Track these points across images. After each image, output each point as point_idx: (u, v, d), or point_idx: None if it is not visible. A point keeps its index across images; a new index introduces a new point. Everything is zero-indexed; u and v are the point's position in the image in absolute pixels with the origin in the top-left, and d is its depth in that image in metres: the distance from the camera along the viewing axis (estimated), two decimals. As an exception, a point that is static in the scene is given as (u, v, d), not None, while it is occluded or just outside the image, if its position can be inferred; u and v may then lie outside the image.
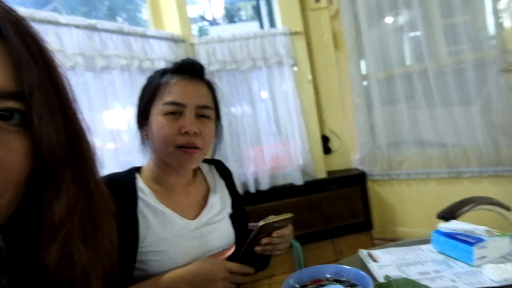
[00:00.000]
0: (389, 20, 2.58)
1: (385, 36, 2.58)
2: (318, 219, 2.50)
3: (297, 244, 1.26)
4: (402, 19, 2.52)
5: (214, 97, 0.97)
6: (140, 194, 0.89)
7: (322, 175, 2.59)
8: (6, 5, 0.37)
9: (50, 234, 0.37)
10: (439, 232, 0.96)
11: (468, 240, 0.87)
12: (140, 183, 0.91)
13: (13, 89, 0.35)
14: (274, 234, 0.85)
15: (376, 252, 1.01)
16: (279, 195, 2.45)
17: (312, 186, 2.49)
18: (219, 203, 1.01)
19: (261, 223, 0.80)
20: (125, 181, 0.89)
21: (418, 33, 2.43)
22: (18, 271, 0.38)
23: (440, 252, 0.95)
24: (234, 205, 1.04)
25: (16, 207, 0.37)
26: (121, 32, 1.84)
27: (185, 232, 0.90)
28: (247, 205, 2.41)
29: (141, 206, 0.88)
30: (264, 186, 2.42)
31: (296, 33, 2.51)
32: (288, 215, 0.85)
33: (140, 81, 1.01)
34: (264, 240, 0.84)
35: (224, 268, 0.83)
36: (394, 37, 2.57)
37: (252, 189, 2.40)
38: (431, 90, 2.39)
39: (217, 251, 0.95)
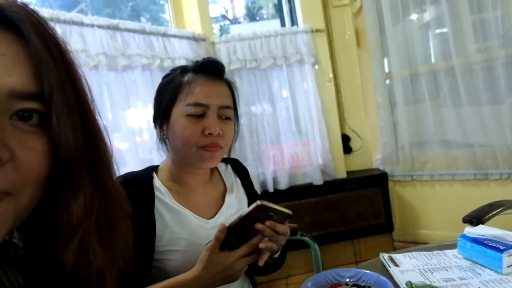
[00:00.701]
0: (414, 16, 2.51)
1: (410, 33, 2.51)
2: (338, 220, 2.46)
3: (315, 246, 1.25)
4: (429, 15, 2.44)
5: (233, 96, 0.96)
6: (157, 193, 0.89)
7: (342, 175, 2.55)
8: (28, 7, 0.38)
9: (68, 234, 0.37)
10: (466, 237, 0.92)
11: (498, 247, 0.83)
12: (157, 182, 0.92)
13: (33, 90, 0.35)
14: (267, 222, 0.77)
15: (397, 256, 0.98)
16: (298, 194, 2.43)
17: (332, 186, 2.46)
18: (236, 203, 1.00)
19: (258, 202, 0.73)
20: (142, 180, 0.89)
21: (445, 30, 2.35)
22: (34, 270, 0.39)
23: (466, 258, 0.91)
24: (250, 199, 1.04)
25: (34, 207, 0.37)
26: (143, 32, 1.86)
27: (201, 231, 0.90)
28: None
29: (158, 205, 0.88)
30: (283, 185, 2.41)
31: (317, 30, 2.47)
32: (287, 210, 0.78)
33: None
34: (259, 226, 0.76)
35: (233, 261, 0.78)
36: (419, 34, 2.51)
37: (270, 188, 2.39)
38: (458, 89, 2.31)
39: None
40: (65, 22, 1.50)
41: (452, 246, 0.99)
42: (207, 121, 0.87)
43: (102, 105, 1.65)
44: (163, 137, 0.93)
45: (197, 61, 0.94)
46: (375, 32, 2.59)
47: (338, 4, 2.64)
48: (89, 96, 0.41)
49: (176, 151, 0.91)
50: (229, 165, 1.07)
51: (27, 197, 0.36)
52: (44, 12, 1.44)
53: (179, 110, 0.88)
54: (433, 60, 2.50)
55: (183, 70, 0.93)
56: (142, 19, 2.63)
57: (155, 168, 0.96)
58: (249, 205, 1.00)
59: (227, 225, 0.77)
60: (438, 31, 2.44)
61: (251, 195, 1.06)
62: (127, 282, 0.46)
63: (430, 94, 2.46)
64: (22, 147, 0.34)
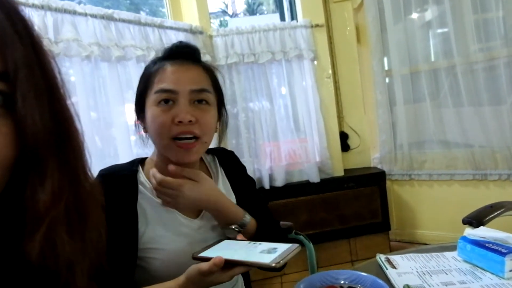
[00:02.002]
0: (415, 15, 2.48)
1: (411, 31, 2.48)
2: (334, 218, 2.43)
3: (310, 245, 1.21)
4: (431, 14, 2.41)
5: (213, 80, 0.88)
6: (140, 187, 0.85)
7: (339, 173, 2.52)
8: None
9: (34, 223, 0.35)
10: (466, 239, 0.89)
11: (500, 250, 0.79)
12: (142, 176, 0.87)
13: None
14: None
15: (395, 258, 0.95)
16: (294, 192, 2.40)
17: (329, 184, 2.43)
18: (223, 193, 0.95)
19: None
20: (126, 174, 0.85)
21: (446, 29, 2.32)
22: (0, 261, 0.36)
23: (466, 261, 0.88)
24: (238, 193, 0.97)
25: None
26: (138, 23, 1.81)
27: (186, 230, 0.85)
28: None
29: (141, 200, 0.84)
30: (279, 182, 2.37)
31: (317, 25, 2.43)
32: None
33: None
34: None
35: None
36: (420, 33, 2.47)
37: (266, 185, 2.35)
38: (459, 88, 2.28)
39: None
40: (57, 10, 1.45)
41: (452, 248, 0.96)
42: (177, 108, 0.80)
43: (95, 97, 1.61)
44: (144, 130, 0.88)
45: (167, 47, 0.88)
46: (376, 28, 2.55)
47: (339, -1, 2.60)
48: (59, 78, 0.38)
49: (155, 144, 0.87)
50: (215, 156, 1.01)
51: None
52: (35, -1, 1.39)
53: (150, 100, 0.82)
54: (433, 59, 2.46)
55: (156, 59, 0.88)
56: (142, 13, 2.59)
57: (142, 161, 0.92)
58: (237, 194, 0.95)
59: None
60: (439, 30, 2.40)
61: (239, 183, 0.98)
62: (100, 275, 0.43)
63: (430, 93, 2.43)
64: None
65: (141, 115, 0.86)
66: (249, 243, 0.74)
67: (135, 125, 0.90)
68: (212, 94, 0.86)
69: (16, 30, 0.34)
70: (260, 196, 1.04)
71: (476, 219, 1.07)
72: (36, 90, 0.35)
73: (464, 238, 0.90)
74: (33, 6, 1.38)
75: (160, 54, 0.89)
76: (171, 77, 0.81)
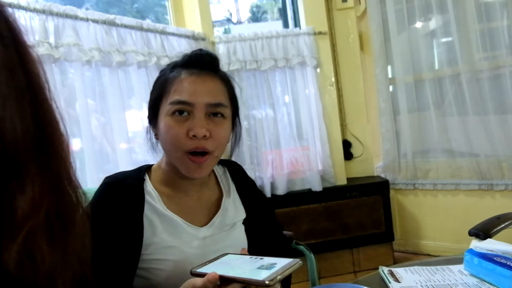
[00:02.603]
0: (419, 24, 2.47)
1: (415, 40, 2.47)
2: (337, 228, 2.39)
3: (311, 255, 1.17)
4: (435, 23, 2.39)
5: (230, 92, 0.86)
6: (147, 197, 0.82)
7: (342, 181, 2.48)
8: None
9: (11, 232, 0.33)
10: (473, 252, 0.85)
11: (509, 264, 0.76)
12: (149, 185, 0.84)
13: None
14: None
15: (398, 271, 0.91)
16: (296, 200, 2.36)
17: (331, 193, 2.39)
18: (233, 208, 0.92)
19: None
20: (131, 183, 0.82)
21: (450, 38, 2.31)
22: None
23: (473, 275, 0.84)
24: (249, 210, 0.94)
25: None
26: (140, 28, 1.81)
27: (193, 241, 0.82)
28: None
29: (147, 211, 0.80)
30: (281, 191, 2.34)
31: (320, 33, 2.42)
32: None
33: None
34: None
35: None
36: (424, 41, 2.46)
37: (268, 193, 2.32)
38: (464, 97, 2.26)
39: None
40: (58, 15, 1.45)
41: (458, 260, 0.92)
42: (192, 122, 0.77)
43: (95, 102, 1.59)
44: (156, 137, 0.86)
45: (186, 54, 0.85)
46: (379, 37, 2.54)
47: (342, 7, 2.59)
48: (43, 81, 0.36)
49: (166, 154, 0.84)
50: (226, 168, 0.99)
51: None
52: (37, 3, 1.38)
53: (165, 109, 0.80)
54: (437, 67, 2.44)
55: (174, 65, 0.85)
56: (148, 20, 2.60)
57: (148, 168, 0.89)
58: (247, 211, 0.92)
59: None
60: (444, 39, 2.39)
61: (250, 200, 0.96)
62: (84, 287, 0.41)
63: (435, 101, 2.40)
64: None
65: (154, 121, 0.84)
66: (251, 257, 0.71)
67: (147, 130, 0.88)
68: (228, 107, 0.84)
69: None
70: (271, 212, 1.02)
71: (483, 231, 1.03)
72: (16, 93, 0.33)
73: (471, 251, 0.86)
74: (35, 10, 1.38)
75: (178, 60, 0.86)
76: (188, 88, 0.79)
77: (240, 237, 0.90)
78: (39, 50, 1.34)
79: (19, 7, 1.30)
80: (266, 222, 0.98)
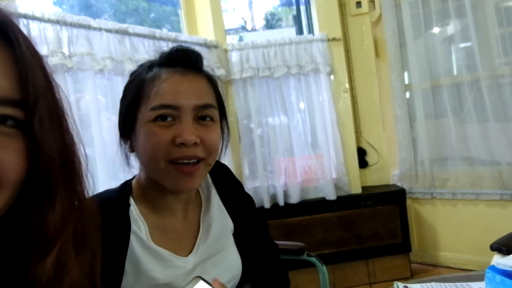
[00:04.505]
0: (436, 30, 2.41)
1: (432, 46, 2.42)
2: (352, 238, 2.33)
3: (323, 267, 1.14)
4: (453, 28, 2.34)
5: (217, 93, 0.75)
6: (133, 227, 0.69)
7: (357, 190, 2.43)
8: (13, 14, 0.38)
9: (44, 246, 0.36)
10: (495, 269, 0.80)
11: (534, 284, 0.71)
12: (134, 210, 0.71)
13: (14, 96, 0.35)
14: None
15: (414, 287, 0.87)
16: (309, 209, 2.32)
17: (345, 202, 2.34)
18: (217, 219, 0.79)
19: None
20: (116, 210, 0.70)
21: (469, 44, 2.25)
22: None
23: (495, 294, 0.79)
24: (236, 218, 0.82)
25: (5, 211, 0.36)
26: (152, 37, 1.82)
27: (180, 272, 0.72)
28: (275, 219, 2.24)
29: (133, 243, 0.68)
30: (294, 199, 2.30)
31: (334, 39, 2.39)
32: None
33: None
34: None
35: None
36: (442, 47, 2.41)
37: (281, 202, 2.28)
38: (484, 103, 2.19)
39: None
40: (72, 25, 1.46)
41: (479, 277, 0.87)
42: (179, 127, 0.66)
43: (108, 109, 1.60)
44: (129, 150, 0.74)
45: (164, 51, 0.73)
46: (395, 42, 2.50)
47: (356, 13, 2.56)
48: (66, 104, 0.40)
49: (146, 169, 0.72)
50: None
51: (1, 201, 0.35)
52: (51, 14, 1.41)
53: (143, 116, 0.67)
54: (455, 72, 2.38)
55: (150, 64, 0.73)
56: (164, 30, 2.63)
57: (131, 187, 0.76)
58: (234, 220, 0.81)
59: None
60: (462, 45, 2.33)
61: (240, 215, 0.83)
62: None
63: (453, 108, 2.34)
64: (1, 146, 0.34)
65: (128, 131, 0.72)
66: None
67: (120, 144, 0.75)
68: (216, 109, 0.73)
69: (36, 61, 0.37)
70: (263, 222, 0.91)
71: (506, 246, 0.98)
72: (51, 116, 0.37)
73: (493, 268, 0.81)
74: (49, 20, 1.40)
75: (155, 59, 0.74)
76: (172, 89, 0.68)
77: (233, 258, 0.80)
78: (53, 60, 1.35)
79: (34, 18, 1.32)
80: (258, 234, 0.87)
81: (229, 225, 0.82)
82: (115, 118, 1.58)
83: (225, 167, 0.88)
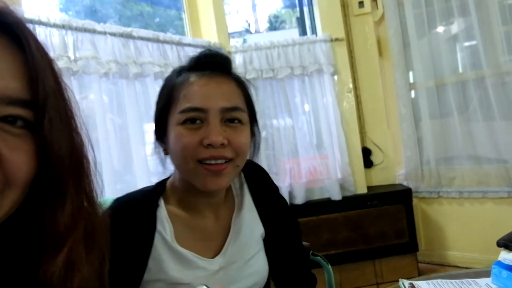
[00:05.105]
0: (441, 29, 2.41)
1: (436, 45, 2.41)
2: (358, 238, 2.33)
3: (328, 267, 1.13)
4: (457, 26, 2.33)
5: (246, 96, 0.76)
6: (159, 227, 0.72)
7: (362, 190, 2.42)
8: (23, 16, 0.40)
9: (55, 244, 0.37)
10: (502, 265, 0.80)
11: (540, 279, 0.70)
12: (163, 211, 0.74)
13: (25, 96, 0.35)
14: None
15: (420, 284, 0.87)
16: (315, 210, 2.32)
17: (351, 202, 2.33)
18: (247, 223, 0.80)
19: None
20: (143, 210, 0.73)
21: (474, 42, 2.24)
22: (4, 281, 0.37)
23: (502, 290, 0.79)
24: (268, 224, 0.82)
25: (13, 211, 0.37)
26: (156, 40, 1.84)
27: (205, 274, 0.73)
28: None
29: (157, 243, 0.71)
30: (300, 200, 2.30)
31: (337, 39, 2.39)
32: None
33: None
34: None
35: None
36: (446, 46, 2.40)
37: (286, 202, 2.29)
38: (489, 101, 2.17)
39: None
40: (77, 29, 1.49)
41: (485, 273, 0.87)
42: (207, 129, 0.67)
43: (113, 112, 1.62)
44: (165, 152, 0.76)
45: (193, 56, 0.75)
46: (398, 41, 2.49)
47: (359, 13, 2.56)
48: (75, 106, 0.41)
49: (178, 169, 0.74)
50: (242, 174, 0.84)
51: (10, 200, 0.35)
52: (57, 19, 1.43)
53: (173, 119, 0.70)
54: (461, 70, 2.37)
55: (180, 69, 0.76)
56: (169, 33, 2.65)
57: (164, 188, 0.79)
58: (266, 225, 0.81)
59: None
60: (467, 43, 2.32)
61: (273, 221, 0.83)
62: None
63: (458, 106, 2.33)
64: (8, 146, 0.34)
65: (162, 135, 0.74)
66: None
67: (155, 146, 0.79)
68: (245, 112, 0.74)
69: (46, 62, 0.37)
70: (296, 228, 0.90)
71: (512, 242, 0.97)
72: (60, 117, 0.38)
73: (499, 263, 0.81)
74: (54, 25, 1.42)
75: (185, 64, 0.76)
76: (200, 92, 0.70)
77: (260, 263, 0.80)
78: (59, 64, 1.36)
79: (40, 22, 1.35)
80: (289, 240, 0.87)
81: (260, 230, 0.82)
82: (120, 120, 1.60)
83: (261, 169, 0.88)
